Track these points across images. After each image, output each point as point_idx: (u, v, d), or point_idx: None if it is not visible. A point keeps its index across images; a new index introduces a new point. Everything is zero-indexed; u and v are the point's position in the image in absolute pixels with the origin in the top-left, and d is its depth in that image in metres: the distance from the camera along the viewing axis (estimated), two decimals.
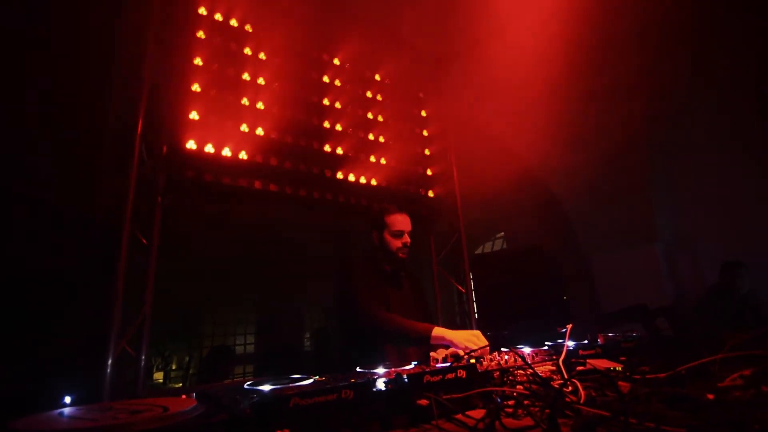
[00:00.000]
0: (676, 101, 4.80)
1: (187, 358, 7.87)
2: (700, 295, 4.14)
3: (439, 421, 0.88)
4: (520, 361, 1.25)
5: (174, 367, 7.88)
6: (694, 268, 5.22)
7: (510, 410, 0.93)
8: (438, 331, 1.86)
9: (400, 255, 2.23)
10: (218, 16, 3.20)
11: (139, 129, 2.58)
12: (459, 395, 0.98)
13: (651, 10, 3.96)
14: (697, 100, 4.73)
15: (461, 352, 1.47)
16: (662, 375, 1.13)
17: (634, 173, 5.30)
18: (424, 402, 0.93)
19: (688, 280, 5.25)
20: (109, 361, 2.26)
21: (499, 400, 0.86)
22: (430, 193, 4.16)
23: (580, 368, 1.28)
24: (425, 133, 4.33)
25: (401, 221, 2.25)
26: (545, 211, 6.38)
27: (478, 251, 8.47)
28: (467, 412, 0.94)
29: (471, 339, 1.80)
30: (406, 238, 2.24)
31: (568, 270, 5.68)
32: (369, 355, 2.01)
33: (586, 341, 1.67)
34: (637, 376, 1.15)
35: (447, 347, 1.82)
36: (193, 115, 2.85)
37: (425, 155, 4.24)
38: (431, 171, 4.22)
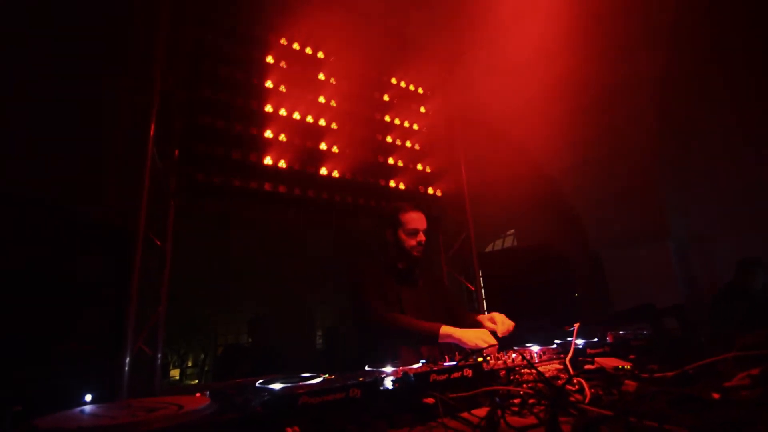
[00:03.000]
0: (689, 97, 4.71)
1: (202, 356, 8.00)
2: (713, 293, 4.07)
3: (445, 419, 0.90)
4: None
5: (190, 365, 8.02)
6: (707, 266, 5.13)
7: (516, 409, 0.94)
8: (446, 330, 1.86)
9: (415, 253, 2.20)
10: (227, 21, 3.25)
11: (152, 132, 2.64)
12: (465, 394, 1.00)
13: (663, 7, 3.90)
14: (709, 96, 4.65)
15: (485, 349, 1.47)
16: (670, 374, 1.13)
17: (646, 170, 5.22)
18: (430, 400, 0.95)
19: (701, 278, 5.17)
20: (127, 360, 2.32)
21: (497, 399, 0.87)
22: (439, 192, 4.17)
23: (587, 366, 1.29)
24: (434, 131, 4.32)
25: (416, 219, 2.21)
26: (556, 208, 6.33)
27: (488, 249, 8.43)
28: (473, 411, 0.96)
29: (480, 337, 1.80)
30: (421, 237, 2.20)
31: (580, 268, 5.63)
32: (384, 355, 2.02)
33: (595, 339, 1.67)
34: (645, 375, 1.15)
35: (457, 347, 1.83)
36: (204, 119, 2.91)
37: (433, 153, 4.24)
38: (440, 169, 4.22)
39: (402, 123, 4.12)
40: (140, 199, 2.51)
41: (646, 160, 5.20)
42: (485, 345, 1.72)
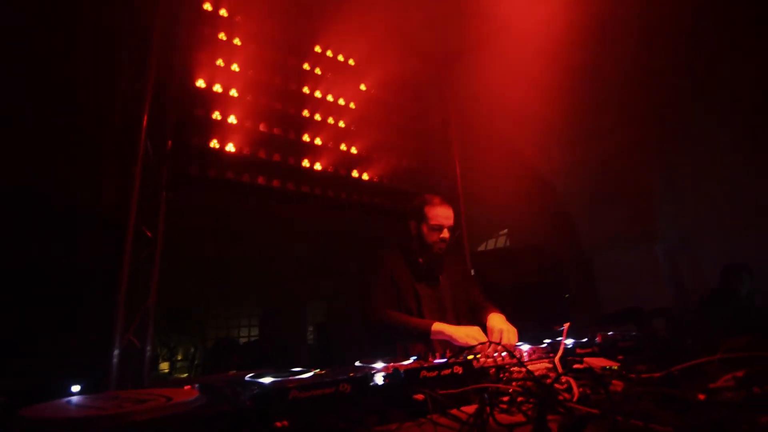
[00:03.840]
0: (681, 101, 4.76)
1: (192, 349, 7.97)
2: (700, 296, 4.13)
3: (434, 416, 0.90)
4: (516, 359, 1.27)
5: (180, 358, 7.99)
6: (696, 269, 5.20)
7: (505, 406, 0.95)
8: (437, 327, 1.87)
9: (436, 250, 2.13)
10: (223, 12, 3.22)
11: (144, 124, 2.61)
12: (454, 391, 1.00)
13: (657, 9, 3.93)
14: (702, 100, 4.70)
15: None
16: (656, 375, 1.14)
17: (637, 173, 5.28)
18: (420, 397, 0.95)
19: (689, 281, 5.24)
20: (116, 352, 2.31)
21: (486, 397, 0.88)
22: (433, 190, 4.17)
23: (576, 366, 1.30)
24: (428, 129, 4.33)
25: (442, 215, 2.12)
26: (548, 209, 6.37)
27: (481, 248, 8.47)
28: (462, 408, 0.96)
29: (470, 335, 1.81)
30: (445, 233, 2.11)
31: (570, 269, 5.68)
32: (386, 350, 2.01)
33: (584, 340, 1.68)
34: (632, 375, 1.17)
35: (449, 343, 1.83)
36: (198, 111, 2.88)
37: (427, 152, 4.24)
38: (433, 167, 4.23)
39: (398, 121, 4.12)
40: (132, 191, 2.49)
41: (637, 163, 5.25)
42: (475, 342, 1.73)
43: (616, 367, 1.30)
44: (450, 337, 1.82)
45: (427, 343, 1.95)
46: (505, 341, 1.86)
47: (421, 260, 2.16)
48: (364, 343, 2.18)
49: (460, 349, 1.61)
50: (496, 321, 2.00)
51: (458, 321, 2.06)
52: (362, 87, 3.98)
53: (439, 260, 2.19)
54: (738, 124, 4.71)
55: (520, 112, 5.21)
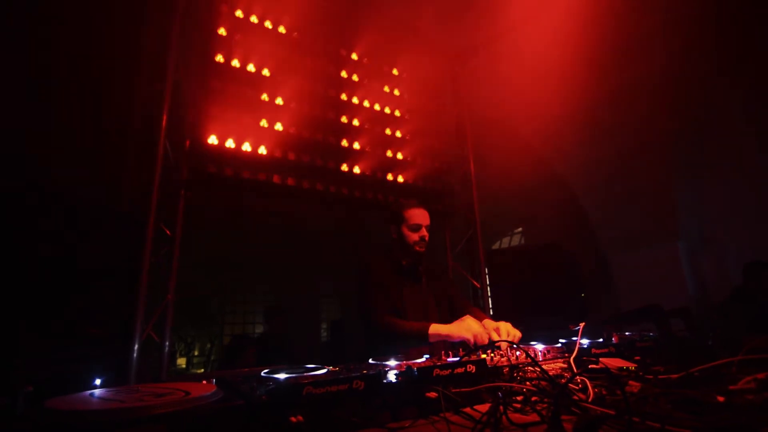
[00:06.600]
0: (702, 98, 4.64)
1: (209, 345, 8.11)
2: (722, 296, 4.02)
3: (447, 414, 0.91)
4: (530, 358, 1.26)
5: (196, 353, 8.13)
6: (718, 268, 5.06)
7: (518, 405, 0.94)
8: (434, 329, 1.87)
9: (417, 248, 2.23)
10: (239, 13, 3.25)
11: (164, 124, 2.66)
12: (468, 389, 1.00)
13: (677, 8, 3.83)
14: (723, 97, 4.57)
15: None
16: (674, 376, 1.12)
17: (657, 170, 5.16)
18: (432, 395, 0.95)
19: (711, 280, 5.11)
20: (135, 347, 2.37)
21: (500, 396, 0.87)
22: (447, 188, 4.15)
23: (592, 366, 1.28)
24: (443, 127, 4.30)
25: (419, 215, 2.25)
26: (565, 206, 6.28)
27: (496, 246, 8.40)
28: (475, 406, 0.96)
29: (463, 327, 1.80)
30: (424, 232, 2.24)
31: (588, 267, 5.59)
32: (386, 350, 2.05)
33: (600, 340, 1.66)
34: (650, 377, 1.15)
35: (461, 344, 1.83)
36: (215, 111, 2.92)
37: (442, 149, 4.22)
38: (448, 165, 4.21)
39: (413, 119, 4.11)
40: (152, 189, 2.55)
41: (658, 161, 5.13)
42: (470, 335, 1.73)
43: (632, 368, 1.28)
44: (447, 336, 1.83)
45: (428, 346, 1.97)
46: (508, 337, 1.85)
47: (404, 262, 2.26)
48: (378, 342, 2.19)
49: (474, 347, 1.61)
50: (490, 321, 2.01)
51: (441, 319, 2.09)
52: (379, 86, 3.98)
53: (420, 260, 2.29)
54: (762, 119, 4.56)
55: (537, 109, 5.15)
